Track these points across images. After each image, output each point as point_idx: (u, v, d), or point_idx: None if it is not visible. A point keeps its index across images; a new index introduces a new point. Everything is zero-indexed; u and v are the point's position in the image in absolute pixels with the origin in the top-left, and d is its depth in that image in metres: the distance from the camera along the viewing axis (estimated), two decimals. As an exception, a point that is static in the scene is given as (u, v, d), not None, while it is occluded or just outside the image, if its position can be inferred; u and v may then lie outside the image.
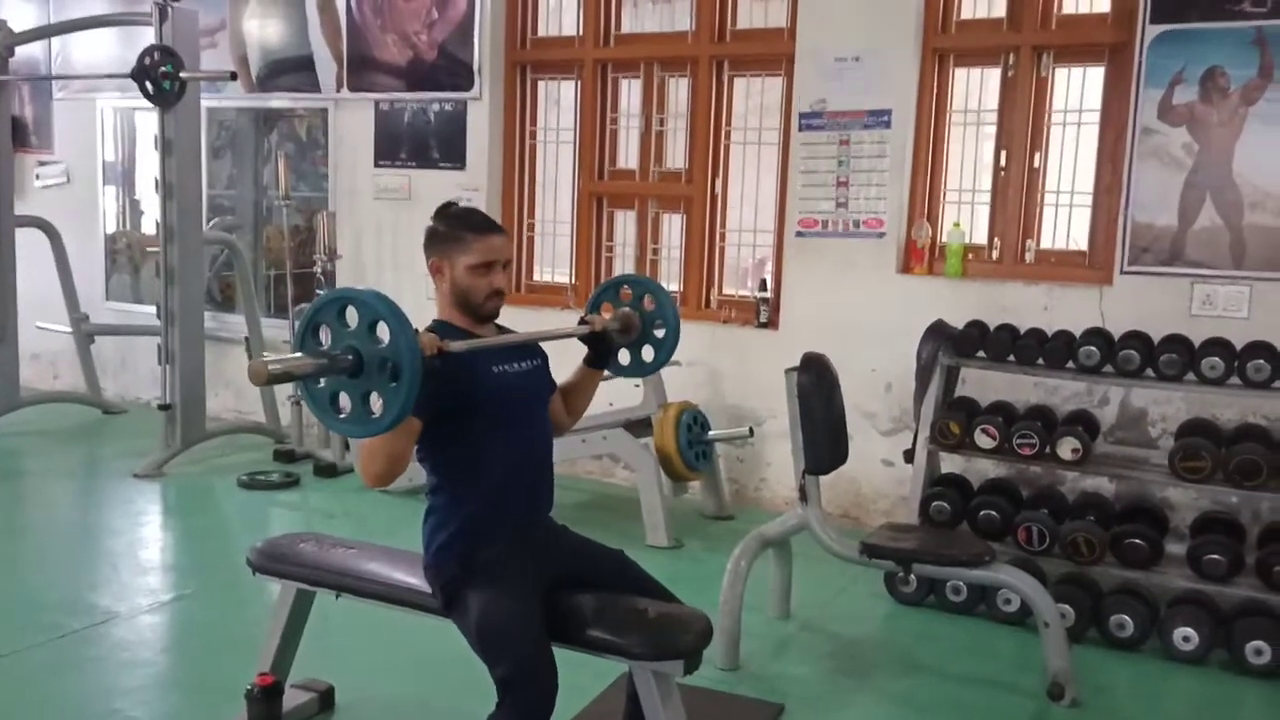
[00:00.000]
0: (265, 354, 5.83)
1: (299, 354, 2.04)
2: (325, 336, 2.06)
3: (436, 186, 5.68)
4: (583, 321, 2.71)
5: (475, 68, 5.71)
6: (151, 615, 3.77)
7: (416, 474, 5.45)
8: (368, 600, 2.74)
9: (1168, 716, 3.37)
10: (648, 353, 2.83)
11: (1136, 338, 3.99)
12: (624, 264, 5.65)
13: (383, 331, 2.03)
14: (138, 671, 3.33)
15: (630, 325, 2.78)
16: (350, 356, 2.02)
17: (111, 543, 4.58)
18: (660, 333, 2.81)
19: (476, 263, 2.47)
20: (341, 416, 2.09)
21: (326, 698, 3.06)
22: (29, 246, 6.38)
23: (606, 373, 2.79)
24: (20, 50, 6.06)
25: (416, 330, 2.07)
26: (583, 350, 2.76)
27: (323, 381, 2.06)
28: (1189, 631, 3.51)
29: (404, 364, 2.00)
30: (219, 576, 4.14)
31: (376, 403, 2.04)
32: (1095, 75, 4.58)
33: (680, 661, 2.37)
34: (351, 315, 2.05)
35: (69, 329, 6.68)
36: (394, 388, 2.01)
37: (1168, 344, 3.92)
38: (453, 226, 2.51)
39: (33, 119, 7.19)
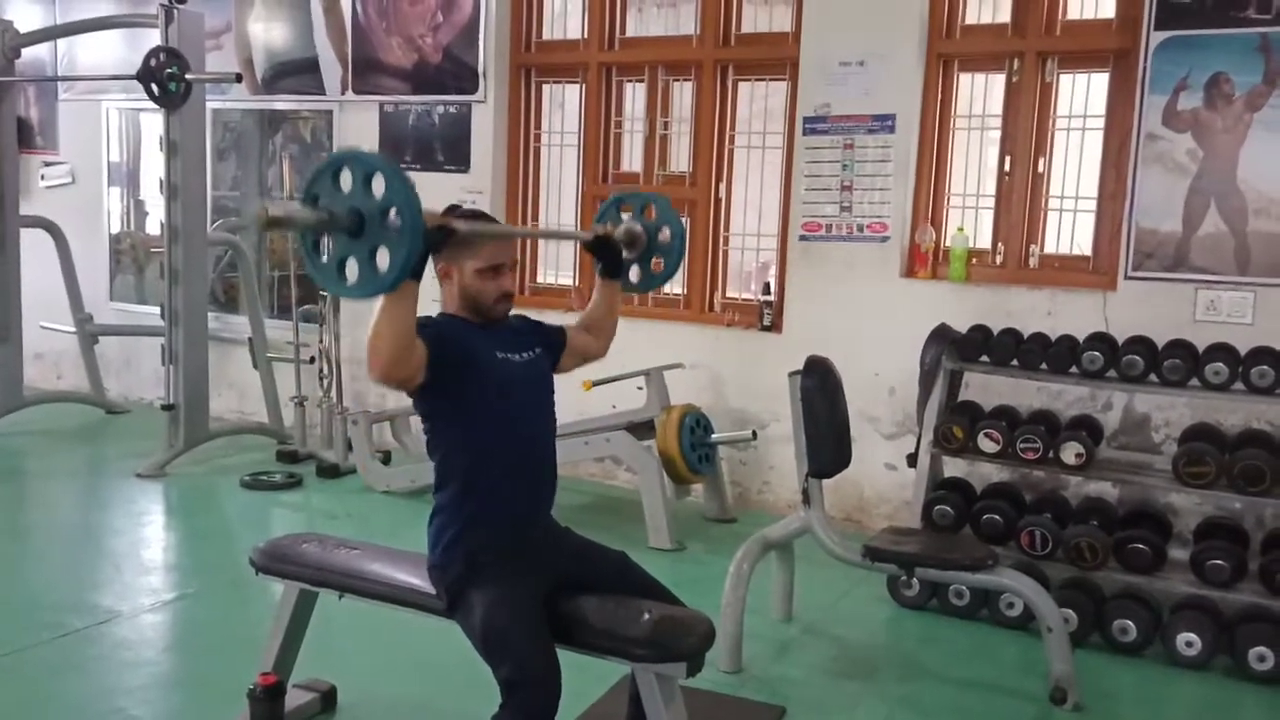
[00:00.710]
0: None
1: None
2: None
3: (441, 189, 5.66)
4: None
5: (480, 71, 5.72)
6: (154, 615, 3.77)
7: (420, 475, 5.40)
8: (370, 601, 2.75)
9: (1170, 722, 3.37)
10: (656, 265, 2.91)
11: (1140, 343, 3.98)
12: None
13: (379, 188, 2.04)
14: (140, 671, 3.33)
15: (636, 239, 2.87)
16: (351, 216, 2.05)
17: (114, 542, 4.59)
18: (665, 240, 2.88)
19: (484, 266, 2.48)
20: (350, 283, 2.10)
21: (328, 698, 3.06)
22: (34, 247, 6.40)
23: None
24: (26, 51, 6.06)
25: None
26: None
27: (325, 255, 2.09)
28: (1192, 637, 3.51)
29: (404, 208, 2.02)
30: (221, 576, 4.14)
31: (382, 256, 2.05)
32: (1100, 81, 4.59)
33: (683, 664, 2.37)
34: (347, 180, 2.07)
35: (73, 329, 6.69)
36: (397, 237, 2.02)
37: (1171, 349, 3.92)
38: None
39: (38, 120, 7.22)
